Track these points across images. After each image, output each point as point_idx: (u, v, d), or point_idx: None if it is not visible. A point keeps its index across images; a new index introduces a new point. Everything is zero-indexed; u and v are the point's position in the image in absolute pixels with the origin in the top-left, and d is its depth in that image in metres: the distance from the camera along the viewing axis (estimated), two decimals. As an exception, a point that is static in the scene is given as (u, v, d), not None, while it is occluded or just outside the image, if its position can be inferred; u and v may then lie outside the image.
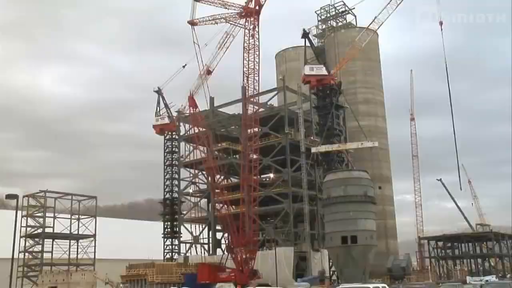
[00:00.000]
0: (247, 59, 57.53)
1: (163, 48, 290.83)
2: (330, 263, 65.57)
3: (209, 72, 71.29)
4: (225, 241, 64.07)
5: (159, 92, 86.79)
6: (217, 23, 65.35)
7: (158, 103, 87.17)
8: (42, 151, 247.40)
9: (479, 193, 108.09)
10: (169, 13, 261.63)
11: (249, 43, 57.55)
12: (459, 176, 75.51)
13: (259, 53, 57.88)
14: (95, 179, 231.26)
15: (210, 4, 63.55)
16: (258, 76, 58.00)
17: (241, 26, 60.31)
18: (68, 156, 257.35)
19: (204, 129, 63.74)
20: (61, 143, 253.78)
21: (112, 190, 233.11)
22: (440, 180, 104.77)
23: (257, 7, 58.11)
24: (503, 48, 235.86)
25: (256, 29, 57.95)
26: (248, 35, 57.76)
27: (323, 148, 69.27)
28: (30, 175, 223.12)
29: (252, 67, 57.65)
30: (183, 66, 79.78)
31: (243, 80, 58.37)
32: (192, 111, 63.15)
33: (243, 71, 57.88)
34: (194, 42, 61.87)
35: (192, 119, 64.97)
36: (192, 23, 65.17)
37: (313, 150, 69.64)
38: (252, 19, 58.04)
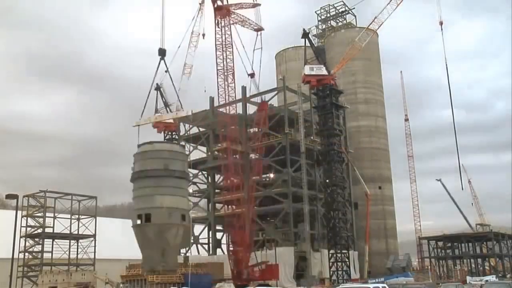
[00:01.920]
0: (221, 56, 56.40)
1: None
2: (330, 263, 65.54)
3: (252, 75, 68.08)
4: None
5: (158, 89, 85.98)
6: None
7: (157, 100, 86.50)
8: None
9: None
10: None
11: (221, 41, 56.69)
12: (461, 176, 75.60)
13: (232, 50, 57.01)
14: (20, 180, 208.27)
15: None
16: (233, 74, 56.75)
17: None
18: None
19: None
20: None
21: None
22: (440, 180, 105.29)
23: (218, 2, 57.66)
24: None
25: (222, 23, 56.90)
26: (219, 32, 56.93)
27: None
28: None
29: (224, 65, 56.33)
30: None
31: (217, 78, 56.78)
32: (263, 115, 63.44)
33: (217, 69, 56.72)
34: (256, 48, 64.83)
35: (257, 122, 65.17)
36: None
37: None
38: (221, 15, 57.09)
